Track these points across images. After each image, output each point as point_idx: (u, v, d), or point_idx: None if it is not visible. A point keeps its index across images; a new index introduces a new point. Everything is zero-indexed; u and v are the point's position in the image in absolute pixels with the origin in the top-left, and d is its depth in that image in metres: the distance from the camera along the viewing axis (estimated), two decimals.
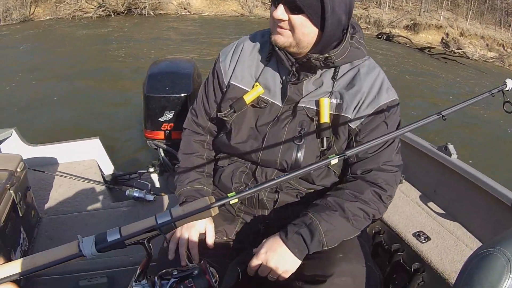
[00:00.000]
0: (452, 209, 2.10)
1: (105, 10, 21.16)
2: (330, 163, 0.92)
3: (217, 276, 0.97)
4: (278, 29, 1.23)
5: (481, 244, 1.74)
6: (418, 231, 1.93)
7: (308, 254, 1.23)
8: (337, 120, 1.32)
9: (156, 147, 2.66)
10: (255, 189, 0.87)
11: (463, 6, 25.19)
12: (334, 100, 1.32)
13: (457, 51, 17.80)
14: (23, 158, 2.01)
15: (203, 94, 1.52)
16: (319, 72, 1.34)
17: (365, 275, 1.22)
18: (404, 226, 1.97)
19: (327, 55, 1.26)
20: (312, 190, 1.39)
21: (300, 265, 1.22)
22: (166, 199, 2.48)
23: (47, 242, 2.06)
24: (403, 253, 1.89)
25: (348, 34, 1.29)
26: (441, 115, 1.08)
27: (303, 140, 1.32)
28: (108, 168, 3.00)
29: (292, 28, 1.22)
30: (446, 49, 17.55)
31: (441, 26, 21.96)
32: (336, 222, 1.24)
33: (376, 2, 25.63)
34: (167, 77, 2.56)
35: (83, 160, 2.88)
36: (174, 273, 0.98)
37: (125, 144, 5.56)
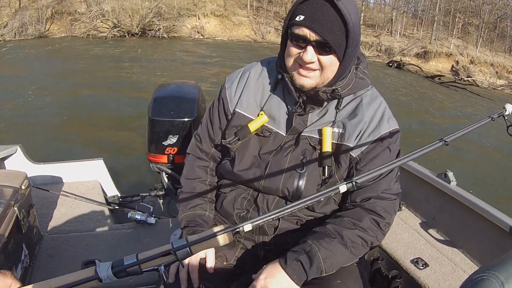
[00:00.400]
0: (450, 236, 2.11)
1: (119, 30, 21.71)
2: (340, 190, 0.92)
3: None
4: (305, 72, 1.24)
5: None
6: (416, 258, 1.94)
7: (306, 280, 1.23)
8: (339, 149, 1.33)
9: (159, 171, 2.65)
10: (270, 216, 0.86)
11: (473, 34, 25.33)
12: (336, 130, 1.33)
13: (467, 79, 17.86)
14: (27, 176, 2.03)
15: (208, 120, 1.53)
16: (324, 103, 1.35)
17: None
18: (403, 253, 1.98)
19: (333, 88, 1.28)
20: (312, 218, 1.40)
21: None
22: (167, 222, 2.48)
23: (48, 260, 2.07)
24: (401, 279, 1.90)
25: (353, 65, 1.32)
26: (443, 141, 1.09)
27: (305, 168, 1.33)
28: (111, 190, 3.02)
29: (321, 69, 1.23)
30: (456, 77, 17.64)
31: (451, 54, 22.13)
32: (334, 249, 1.25)
33: (388, 30, 25.91)
34: (172, 101, 2.58)
35: (87, 181, 2.90)
36: None
37: (128, 166, 5.61)
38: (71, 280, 0.80)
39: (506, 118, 1.35)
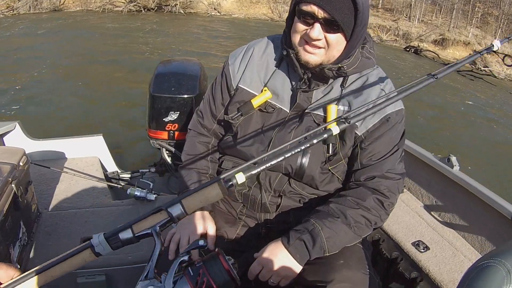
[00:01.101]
0: (452, 220, 2.10)
1: (135, 5, 21.43)
2: (332, 132, 0.93)
3: (236, 262, 0.91)
4: (311, 48, 1.23)
5: (479, 255, 1.75)
6: (418, 241, 1.93)
7: (309, 260, 1.24)
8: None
9: (159, 147, 2.65)
10: (265, 165, 0.84)
11: (492, 24, 24.86)
12: (341, 107, 1.32)
13: (484, 69, 17.49)
14: (26, 152, 2.02)
15: (210, 96, 1.52)
16: (329, 81, 1.34)
17: (365, 282, 1.24)
18: (404, 235, 1.97)
19: (339, 65, 1.27)
20: (315, 196, 1.40)
21: (301, 270, 1.24)
22: (167, 199, 2.47)
23: (46, 237, 2.07)
24: (402, 261, 1.89)
25: (360, 44, 1.31)
26: (432, 76, 1.10)
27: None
28: (110, 166, 3.01)
29: (327, 46, 1.22)
30: (473, 66, 17.26)
31: (469, 43, 21.80)
32: (338, 229, 1.25)
33: (406, 15, 25.54)
34: (173, 77, 2.56)
35: (86, 157, 2.89)
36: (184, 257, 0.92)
37: (128, 143, 5.59)
38: (73, 261, 0.79)
39: (498, 53, 1.40)
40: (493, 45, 1.37)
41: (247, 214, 1.46)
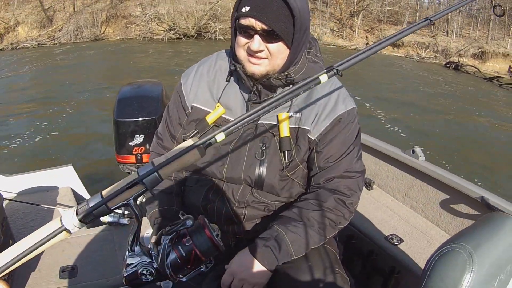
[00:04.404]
0: (424, 210, 2.13)
1: (175, 33, 21.75)
2: (320, 81, 0.96)
3: (219, 230, 0.94)
4: (255, 60, 1.25)
5: None
6: (391, 234, 1.96)
7: (278, 265, 1.26)
8: (297, 133, 1.34)
9: (128, 171, 2.65)
10: (241, 122, 0.87)
11: None
12: (293, 114, 1.34)
13: None
14: None
15: (167, 117, 1.53)
16: (278, 89, 1.35)
17: (335, 282, 1.26)
18: (376, 230, 2.00)
19: (286, 73, 1.29)
20: (278, 203, 1.41)
21: (272, 276, 1.26)
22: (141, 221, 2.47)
23: (26, 270, 2.05)
24: (377, 257, 1.91)
25: (305, 50, 1.33)
26: (429, 20, 1.10)
27: (265, 155, 1.34)
28: (83, 195, 2.99)
29: (270, 56, 1.24)
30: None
31: (508, 54, 21.55)
32: (301, 232, 1.27)
33: (444, 30, 25.46)
34: (135, 101, 2.57)
35: (58, 188, 2.88)
36: (166, 229, 0.95)
37: (98, 170, 5.54)
38: (38, 238, 0.77)
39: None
40: None
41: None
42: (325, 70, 0.96)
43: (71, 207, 2.56)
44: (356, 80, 13.69)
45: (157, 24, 22.42)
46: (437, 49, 22.39)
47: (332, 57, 17.97)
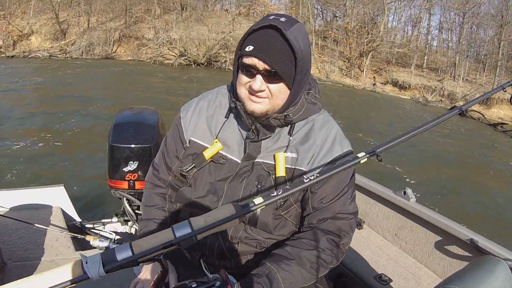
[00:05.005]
0: (413, 251, 2.13)
1: (186, 59, 22.08)
2: (360, 161, 1.01)
3: (238, 283, 0.94)
4: (256, 98, 1.27)
5: None
6: (380, 274, 1.96)
7: None
8: (293, 173, 1.35)
9: (120, 197, 2.64)
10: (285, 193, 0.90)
11: None
12: (289, 154, 1.35)
13: None
14: None
15: (164, 149, 1.54)
16: (277, 129, 1.37)
17: None
18: (366, 270, 1.99)
19: (285, 114, 1.31)
20: (271, 240, 1.41)
21: None
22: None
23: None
24: None
25: (304, 91, 1.35)
26: (461, 110, 1.19)
27: (259, 193, 1.33)
28: (73, 216, 2.98)
29: (270, 96, 1.26)
30: None
31: None
32: (293, 270, 1.27)
33: (451, 74, 25.78)
34: (132, 127, 2.58)
35: (49, 207, 2.86)
36: (192, 286, 0.94)
37: (89, 193, 5.52)
38: (58, 280, 0.74)
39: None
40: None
41: (207, 262, 1.47)
42: (368, 154, 1.03)
43: (60, 227, 2.57)
44: (358, 120, 13.77)
45: (169, 49, 22.81)
46: (443, 93, 22.63)
47: (339, 97, 18.15)
